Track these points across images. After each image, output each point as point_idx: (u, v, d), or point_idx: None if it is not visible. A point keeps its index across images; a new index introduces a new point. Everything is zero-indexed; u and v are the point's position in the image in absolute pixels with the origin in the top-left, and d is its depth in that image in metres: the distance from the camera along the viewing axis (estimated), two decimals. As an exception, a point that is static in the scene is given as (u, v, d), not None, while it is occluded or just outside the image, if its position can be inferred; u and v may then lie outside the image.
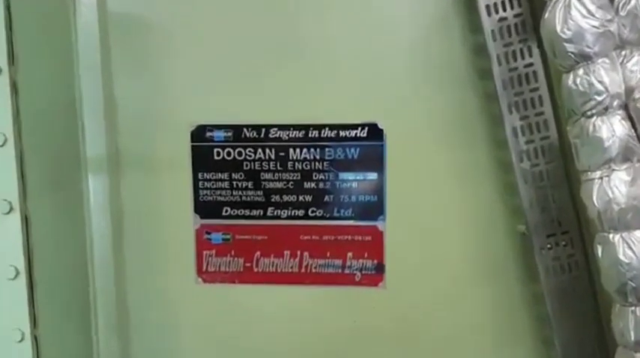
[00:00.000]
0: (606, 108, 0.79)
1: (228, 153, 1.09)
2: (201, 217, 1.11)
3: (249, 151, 1.09)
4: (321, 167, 1.08)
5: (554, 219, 0.98)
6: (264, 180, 1.09)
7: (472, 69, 1.02)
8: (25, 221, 0.92)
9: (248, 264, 1.11)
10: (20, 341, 0.92)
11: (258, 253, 1.11)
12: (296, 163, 1.08)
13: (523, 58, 0.96)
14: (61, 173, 1.06)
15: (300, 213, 1.09)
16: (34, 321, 0.93)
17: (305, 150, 1.07)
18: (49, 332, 0.96)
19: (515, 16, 0.95)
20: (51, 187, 1.02)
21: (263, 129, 1.08)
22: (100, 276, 1.14)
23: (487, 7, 0.95)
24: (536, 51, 0.95)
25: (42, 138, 0.98)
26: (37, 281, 0.94)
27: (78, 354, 1.10)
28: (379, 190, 1.07)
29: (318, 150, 1.07)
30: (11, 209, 0.90)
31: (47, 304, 0.96)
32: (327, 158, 1.07)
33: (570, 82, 0.81)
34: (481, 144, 1.04)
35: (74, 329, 1.10)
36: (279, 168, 1.08)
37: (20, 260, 0.91)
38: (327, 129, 1.07)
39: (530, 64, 0.96)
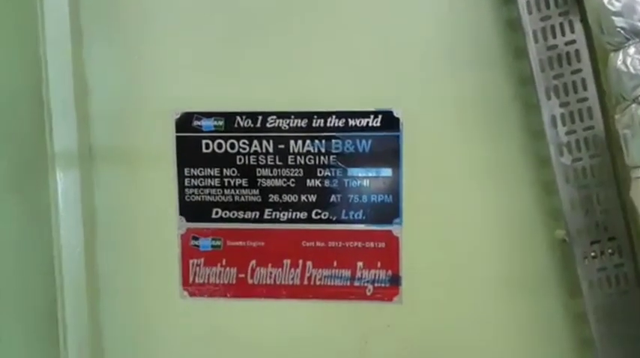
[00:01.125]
0: (661, 94, 0.77)
1: (219, 146, 1.09)
2: (187, 220, 1.11)
3: (244, 143, 1.08)
4: (326, 162, 1.08)
5: (600, 223, 0.97)
6: (261, 176, 1.09)
7: (504, 47, 1.02)
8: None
9: (242, 275, 1.11)
10: (-21, 361, 0.91)
11: (253, 262, 1.11)
12: (298, 157, 1.08)
13: (564, 34, 0.95)
14: (26, 169, 1.06)
15: (303, 215, 1.09)
16: None
17: (308, 141, 1.07)
18: (12, 352, 0.97)
19: (555, -16, 0.94)
20: (14, 185, 1.02)
21: (259, 118, 1.08)
22: (70, 289, 1.13)
23: (521, -26, 0.93)
24: (579, 26, 0.95)
25: (4, 130, 0.99)
26: None
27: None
28: (395, 189, 1.07)
29: (323, 141, 1.07)
30: (-30, 211, 0.89)
31: (9, 319, 0.99)
32: (333, 151, 1.07)
33: (619, 62, 0.80)
34: (514, 135, 1.04)
35: (40, 349, 1.10)
36: (278, 162, 1.08)
37: (-22, 268, 0.90)
38: (334, 117, 1.07)
39: (572, 42, 0.95)
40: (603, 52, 0.86)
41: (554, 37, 0.95)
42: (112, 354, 1.16)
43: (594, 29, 0.84)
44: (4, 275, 0.97)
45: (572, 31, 0.95)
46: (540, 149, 1.01)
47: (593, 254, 0.97)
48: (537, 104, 0.97)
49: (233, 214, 1.10)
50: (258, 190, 1.09)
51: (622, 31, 0.79)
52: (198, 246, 1.11)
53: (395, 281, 1.08)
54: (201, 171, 1.10)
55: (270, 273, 1.10)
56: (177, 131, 1.09)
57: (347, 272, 1.09)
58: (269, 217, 1.10)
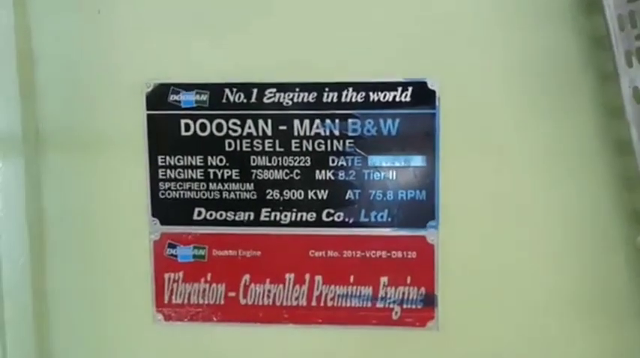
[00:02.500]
0: None
1: (202, 127, 1.08)
2: (162, 223, 1.11)
3: (234, 124, 1.07)
4: (341, 148, 1.07)
5: None
6: (257, 167, 1.08)
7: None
8: None
9: (232, 294, 1.11)
10: None
11: (246, 277, 1.10)
12: (304, 142, 1.07)
13: None
14: None
15: (311, 216, 1.08)
16: None
17: (317, 122, 1.06)
18: None
19: None
20: None
21: (254, 91, 1.07)
22: (12, 311, 1.12)
23: None
24: None
25: None
26: None
27: None
28: (429, 183, 1.06)
29: (337, 122, 1.06)
30: None
31: None
32: (350, 134, 1.06)
33: None
34: (584, 113, 1.02)
35: None
36: (278, 149, 1.07)
37: None
38: (350, 90, 1.05)
39: None
40: None
41: None
42: None
43: None
44: None
45: None
46: (619, 130, 0.99)
47: None
48: (615, 72, 0.94)
49: (221, 215, 1.09)
50: (252, 184, 1.08)
51: None
52: (175, 257, 1.11)
53: (429, 301, 1.08)
54: (179, 160, 1.09)
55: (269, 291, 1.10)
56: (148, 108, 1.08)
57: (367, 290, 1.08)
58: (267, 219, 1.09)
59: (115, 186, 1.11)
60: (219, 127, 1.07)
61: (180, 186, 1.09)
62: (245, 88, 1.06)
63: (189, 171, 1.08)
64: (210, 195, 1.09)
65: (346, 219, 1.07)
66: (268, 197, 1.08)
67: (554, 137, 1.03)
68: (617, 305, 1.04)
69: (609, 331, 1.05)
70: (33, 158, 1.11)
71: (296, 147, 1.06)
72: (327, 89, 1.05)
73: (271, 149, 1.07)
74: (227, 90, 1.06)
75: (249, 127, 1.07)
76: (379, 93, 1.04)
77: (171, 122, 1.08)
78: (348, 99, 1.05)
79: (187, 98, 1.07)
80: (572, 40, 1.01)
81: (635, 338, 1.05)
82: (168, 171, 1.09)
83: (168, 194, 1.09)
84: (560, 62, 1.02)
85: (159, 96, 1.07)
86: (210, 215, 1.09)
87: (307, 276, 1.09)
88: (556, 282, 1.05)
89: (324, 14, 1.05)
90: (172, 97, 1.07)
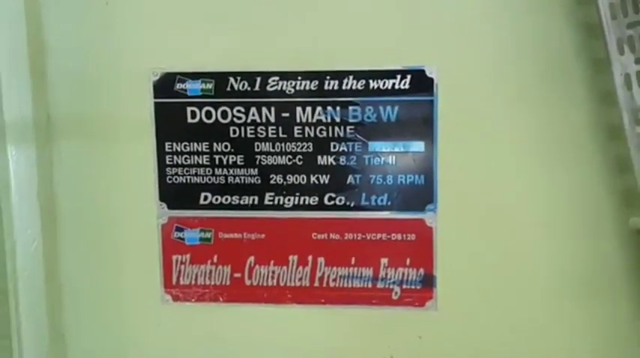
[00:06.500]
0: None
1: (208, 114, 1.09)
2: (170, 207, 1.12)
3: (238, 111, 1.09)
4: (342, 134, 1.08)
5: None
6: (260, 153, 1.09)
7: None
8: None
9: (237, 275, 1.12)
10: None
11: (251, 259, 1.11)
12: (306, 128, 1.08)
13: None
14: None
15: (313, 200, 1.09)
16: None
17: (319, 109, 1.07)
18: None
19: None
20: None
21: (258, 79, 1.08)
22: (26, 292, 1.13)
23: None
24: None
25: None
26: None
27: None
28: (428, 168, 1.07)
29: (338, 109, 1.07)
30: None
31: None
32: (351, 121, 1.07)
33: None
34: (577, 99, 1.03)
35: None
36: (281, 135, 1.09)
37: None
38: (351, 78, 1.06)
39: None
40: None
41: None
42: None
43: None
44: None
45: None
46: (610, 116, 1.00)
47: None
48: (607, 60, 0.96)
49: (226, 199, 1.11)
50: (256, 170, 1.10)
51: None
52: (183, 239, 1.12)
53: (428, 282, 1.09)
54: (185, 146, 1.10)
55: (273, 273, 1.11)
56: (155, 96, 1.09)
57: (368, 272, 1.09)
58: (270, 203, 1.10)
59: (123, 171, 1.12)
60: (224, 115, 1.08)
61: (186, 171, 1.10)
62: (249, 76, 1.07)
63: (196, 157, 1.09)
64: (216, 180, 1.10)
65: (347, 203, 1.08)
66: (272, 182, 1.09)
67: (548, 122, 1.05)
68: (610, 285, 1.06)
69: (602, 308, 1.07)
70: (44, 145, 1.12)
71: (298, 133, 1.08)
72: (328, 77, 1.06)
73: (274, 135, 1.08)
74: (231, 79, 1.07)
75: (253, 114, 1.08)
76: (379, 81, 1.05)
77: (177, 110, 1.09)
78: (348, 87, 1.06)
79: (193, 86, 1.08)
80: (565, 28, 1.02)
81: (624, 313, 1.06)
82: (175, 157, 1.10)
83: (176, 179, 1.10)
84: (553, 50, 1.03)
85: (166, 85, 1.08)
86: (216, 199, 1.10)
87: (310, 258, 1.10)
88: (550, 263, 1.07)
89: (326, 4, 1.06)
90: (179, 86, 1.08)
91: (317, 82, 1.07)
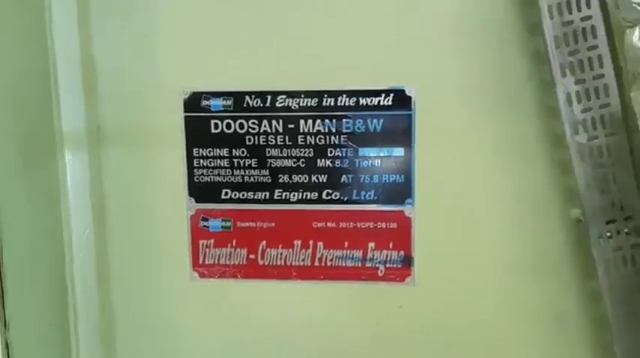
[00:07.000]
0: (678, 72, 0.77)
1: (228, 126, 1.09)
2: (197, 201, 1.12)
3: (253, 123, 1.08)
4: (337, 141, 1.07)
5: (616, 202, 0.96)
6: (271, 157, 1.09)
7: (519, 23, 1.01)
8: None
9: (252, 256, 1.12)
10: (-11, 345, 0.93)
11: (263, 243, 1.11)
12: (308, 137, 1.08)
13: (579, 9, 0.94)
14: (34, 150, 1.07)
15: (313, 195, 1.09)
16: (4, 322, 0.94)
17: (318, 121, 1.07)
18: (22, 336, 0.98)
19: (571, -42, 0.92)
20: (22, 168, 1.03)
21: (269, 97, 1.07)
22: (80, 270, 1.15)
23: (536, -53, 0.92)
24: (595, 1, 0.93)
25: (11, 111, 0.99)
26: (7, 275, 0.95)
27: (55, 360, 1.11)
28: (407, 169, 1.07)
29: (334, 121, 1.07)
30: (-23, 191, 0.92)
31: (19, 303, 0.98)
32: (344, 131, 1.07)
33: (635, 39, 0.81)
34: (528, 113, 1.03)
35: (51, 333, 1.11)
36: (287, 142, 1.08)
37: (-12, 250, 0.92)
38: (344, 96, 1.06)
39: (588, 17, 0.94)
40: (620, 28, 0.86)
41: (570, 12, 0.94)
42: (124, 337, 1.17)
43: (610, 5, 0.84)
44: (14, 259, 0.96)
45: (589, 7, 0.94)
46: (555, 127, 1.00)
47: (608, 234, 0.97)
48: (552, 81, 0.96)
49: (243, 195, 1.11)
50: (267, 170, 1.10)
51: (638, 7, 0.79)
52: (207, 227, 1.12)
53: (407, 262, 1.09)
54: (210, 152, 1.10)
55: (281, 254, 1.11)
56: (185, 111, 1.09)
57: (358, 253, 1.09)
58: (279, 198, 1.10)
59: (159, 172, 1.12)
60: (241, 126, 1.08)
61: (210, 172, 1.10)
62: (261, 95, 1.07)
63: (218, 160, 1.09)
64: (235, 179, 1.10)
65: (341, 198, 1.08)
66: (280, 180, 1.09)
67: (505, 132, 1.04)
68: (555, 265, 1.06)
69: (548, 284, 1.06)
70: (95, 151, 1.12)
71: (301, 141, 1.08)
72: (325, 95, 1.06)
73: (282, 143, 1.08)
74: (247, 97, 1.07)
75: (265, 126, 1.08)
76: (367, 98, 1.05)
77: (203, 122, 1.09)
78: (342, 104, 1.06)
79: (216, 103, 1.08)
80: (519, 56, 1.01)
81: (566, 288, 1.06)
82: (202, 160, 1.10)
83: (202, 178, 1.10)
84: (510, 73, 1.02)
85: (194, 102, 1.08)
86: (235, 195, 1.10)
87: (311, 242, 1.10)
88: (507, 246, 1.07)
89: (324, 39, 1.05)
90: (204, 102, 1.08)
91: (317, 100, 1.06)
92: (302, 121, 1.08)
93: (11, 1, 1.01)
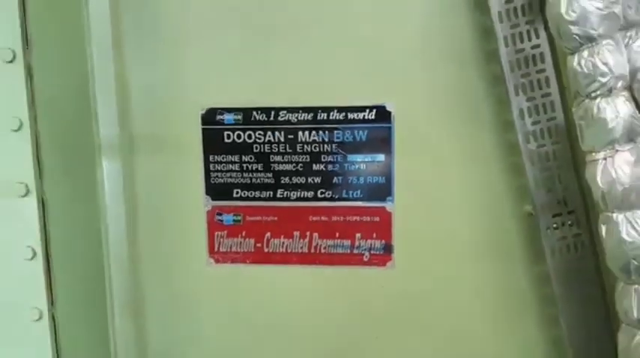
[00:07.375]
0: (610, 90, 0.79)
1: (238, 136, 1.10)
2: (213, 199, 1.12)
3: (259, 134, 1.09)
4: (329, 149, 1.08)
5: (560, 199, 0.98)
6: (274, 162, 1.10)
7: (479, 51, 1.01)
8: (42, 203, 0.95)
9: (259, 245, 1.12)
10: (38, 319, 0.95)
11: (268, 234, 1.12)
12: (305, 145, 1.09)
13: (530, 39, 0.95)
14: (76, 157, 1.07)
15: (310, 194, 1.10)
16: (51, 300, 0.96)
17: (314, 132, 1.08)
18: (66, 312, 0.99)
19: (522, -3, 0.93)
20: (66, 171, 1.03)
21: (272, 112, 1.08)
22: (115, 257, 1.15)
23: (494, -12, 0.93)
24: (543, 33, 0.95)
25: (56, 122, 0.99)
26: (53, 261, 0.97)
27: (94, 332, 1.12)
28: (387, 172, 1.07)
29: (326, 132, 1.07)
30: (28, 191, 0.93)
31: (64, 284, 0.99)
32: (335, 140, 1.08)
33: (575, 63, 0.81)
34: (488, 125, 1.03)
35: (90, 309, 1.11)
36: (288, 150, 1.09)
37: (37, 241, 0.94)
38: (335, 111, 1.07)
39: (537, 46, 0.95)
40: (563, 54, 0.88)
41: (522, 41, 0.96)
42: (152, 313, 1.18)
43: (555, 35, 0.85)
44: (59, 248, 0.97)
45: (537, 37, 0.96)
46: (511, 137, 1.01)
47: (555, 225, 0.99)
48: (508, 99, 0.97)
49: (251, 194, 1.11)
50: (271, 173, 1.10)
51: (577, 38, 0.80)
52: (222, 221, 1.12)
53: (388, 249, 1.09)
54: (223, 158, 1.10)
55: (283, 243, 1.12)
56: (203, 124, 1.09)
57: (347, 242, 1.10)
58: (281, 196, 1.10)
59: (182, 176, 1.12)
60: (250, 137, 1.09)
61: (224, 175, 1.10)
62: (266, 110, 1.08)
63: (230, 165, 1.10)
64: (244, 180, 1.10)
65: (333, 196, 1.09)
66: (282, 182, 1.09)
67: (469, 141, 1.04)
68: (511, 251, 1.06)
69: (505, 267, 1.07)
70: (128, 157, 1.12)
71: (300, 149, 1.08)
72: (320, 111, 1.06)
73: (284, 150, 1.09)
74: (254, 112, 1.08)
75: (269, 136, 1.08)
76: (354, 113, 1.06)
77: (218, 133, 1.09)
78: (333, 118, 1.06)
79: (228, 117, 1.08)
80: (480, 77, 1.02)
81: (521, 271, 1.07)
82: (216, 165, 1.10)
83: (217, 180, 1.11)
84: (472, 92, 1.03)
85: (210, 116, 1.09)
86: (244, 193, 1.11)
87: (308, 233, 1.10)
88: (471, 236, 1.07)
89: (319, 65, 1.06)
90: (218, 117, 1.09)
91: (312, 114, 1.07)
92: (300, 132, 1.08)
93: (57, 31, 1.02)
